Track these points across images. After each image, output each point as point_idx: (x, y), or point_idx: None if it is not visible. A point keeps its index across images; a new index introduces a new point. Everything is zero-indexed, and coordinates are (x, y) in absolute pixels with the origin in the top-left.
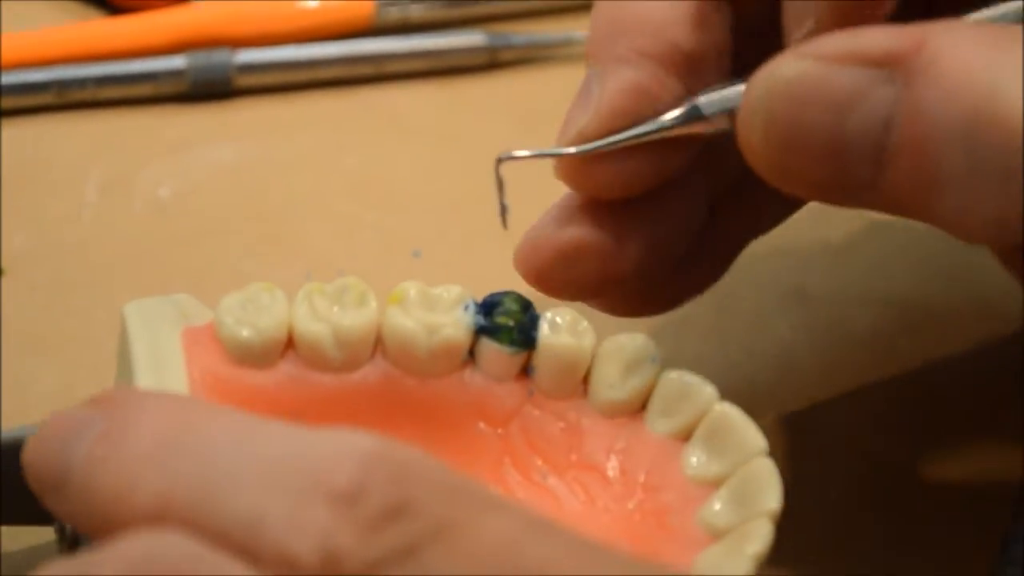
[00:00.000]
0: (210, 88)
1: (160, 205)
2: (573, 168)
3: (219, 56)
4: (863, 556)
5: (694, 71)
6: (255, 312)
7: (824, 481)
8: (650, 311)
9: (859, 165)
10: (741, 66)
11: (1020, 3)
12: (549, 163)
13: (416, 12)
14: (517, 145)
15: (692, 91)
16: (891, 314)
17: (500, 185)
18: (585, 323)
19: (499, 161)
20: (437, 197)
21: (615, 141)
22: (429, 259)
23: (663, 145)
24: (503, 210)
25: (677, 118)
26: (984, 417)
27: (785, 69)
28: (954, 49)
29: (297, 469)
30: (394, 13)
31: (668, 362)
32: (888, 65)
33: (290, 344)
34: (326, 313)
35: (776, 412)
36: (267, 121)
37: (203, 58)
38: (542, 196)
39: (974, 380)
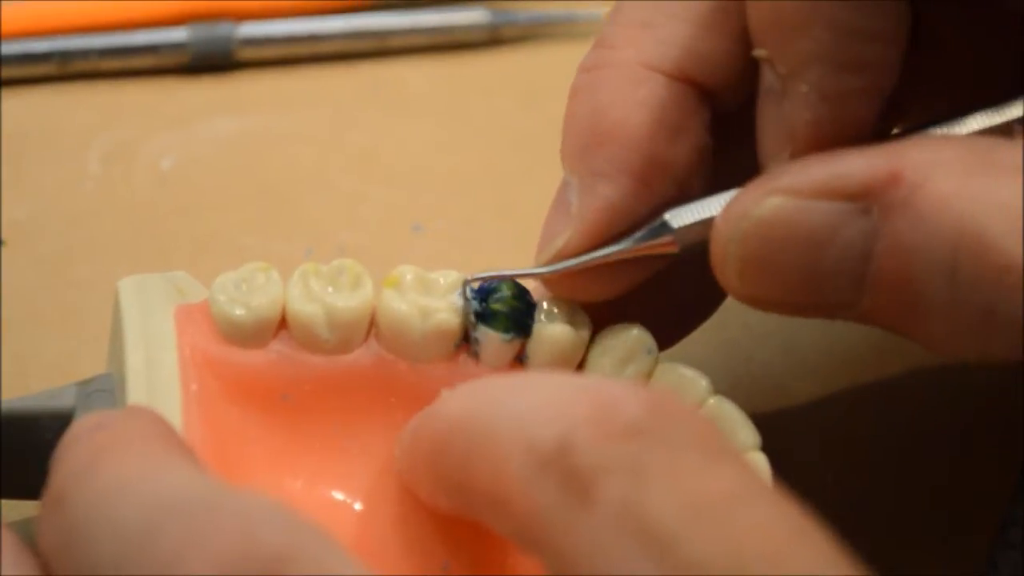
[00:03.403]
0: (212, 61)
1: (161, 177)
2: (556, 282)
3: (222, 29)
4: (859, 547)
5: (674, 180)
6: (249, 291)
7: (821, 473)
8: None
9: (838, 292)
10: (725, 160)
11: (1017, 110)
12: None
13: None
14: (518, 120)
15: (673, 200)
16: None
17: (467, 304)
18: (582, 312)
19: (466, 282)
20: (438, 172)
21: (587, 260)
22: (429, 234)
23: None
24: (472, 340)
25: (645, 235)
26: (984, 403)
27: (758, 208)
28: (931, 181)
29: (572, 383)
30: None
31: None
32: (864, 198)
33: (284, 324)
34: (320, 294)
35: (773, 401)
36: (269, 94)
37: (206, 30)
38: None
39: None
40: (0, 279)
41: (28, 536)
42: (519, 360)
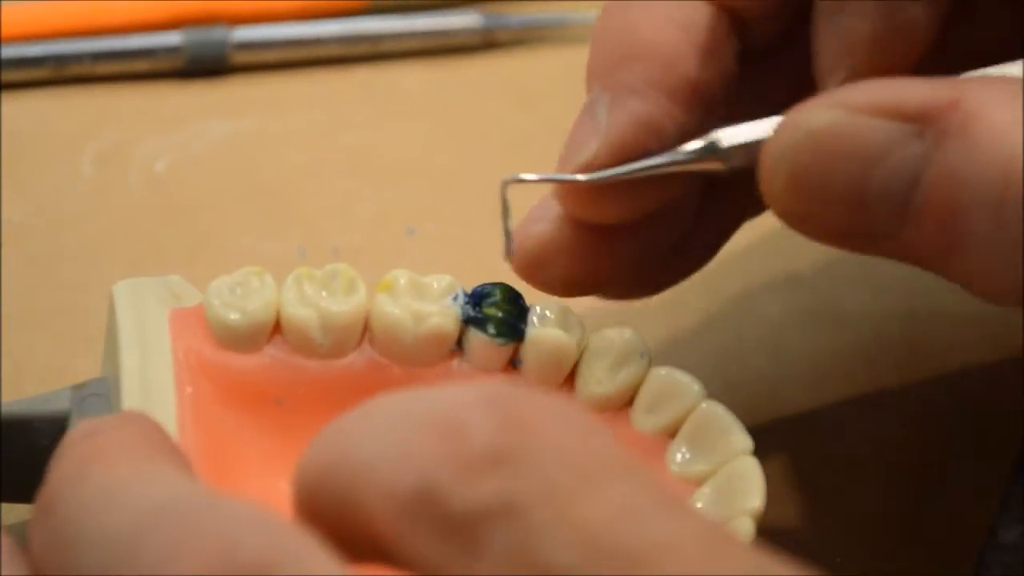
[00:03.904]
0: (206, 65)
1: (156, 180)
2: (577, 196)
3: (216, 33)
4: (853, 549)
5: (703, 103)
6: (244, 295)
7: (814, 477)
8: (639, 295)
9: (882, 218)
10: (745, 94)
11: None
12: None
13: None
14: (511, 124)
15: (699, 123)
16: (883, 298)
17: (505, 209)
18: (575, 316)
19: (505, 184)
20: (432, 176)
21: (627, 171)
22: (423, 237)
23: (670, 176)
24: (508, 236)
25: (694, 152)
26: (976, 408)
27: (814, 118)
28: (988, 111)
29: (418, 410)
30: None
31: (659, 346)
32: (920, 122)
33: (278, 329)
34: (314, 298)
35: (765, 404)
36: (263, 98)
37: (200, 34)
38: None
39: (968, 365)
40: None
41: (25, 539)
42: (513, 364)
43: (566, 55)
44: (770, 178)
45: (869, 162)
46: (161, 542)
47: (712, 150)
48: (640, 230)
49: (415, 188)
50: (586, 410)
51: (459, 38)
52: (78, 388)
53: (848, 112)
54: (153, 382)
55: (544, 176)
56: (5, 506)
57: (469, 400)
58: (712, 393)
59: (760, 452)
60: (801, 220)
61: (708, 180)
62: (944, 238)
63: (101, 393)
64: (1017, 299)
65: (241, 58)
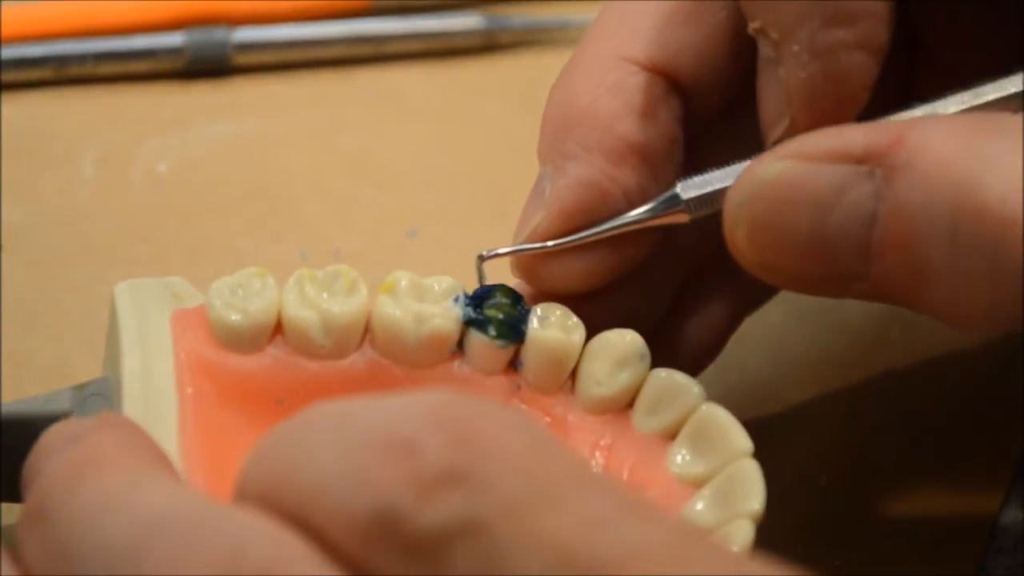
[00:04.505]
0: (208, 65)
1: (157, 180)
2: (528, 264)
3: (217, 34)
4: (852, 551)
5: (646, 163)
6: (245, 296)
7: (814, 476)
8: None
9: (846, 260)
10: (696, 157)
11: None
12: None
13: None
14: (512, 126)
15: (647, 183)
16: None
17: (481, 281)
18: (575, 318)
19: (481, 259)
20: (433, 177)
21: (594, 233)
22: (424, 239)
23: (622, 239)
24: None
25: (656, 205)
26: (975, 410)
27: (766, 169)
28: (932, 143)
29: (365, 427)
30: None
31: None
32: (868, 161)
33: (279, 329)
34: (315, 300)
35: (766, 406)
36: (265, 99)
37: (201, 35)
38: None
39: (968, 367)
40: None
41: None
42: (513, 366)
43: (567, 56)
44: (732, 231)
45: (824, 207)
46: (166, 550)
47: (673, 202)
48: (608, 307)
49: (416, 190)
50: (538, 417)
51: (461, 40)
52: (79, 388)
53: (798, 160)
54: (154, 383)
55: (516, 247)
56: (4, 506)
57: (418, 415)
58: (712, 395)
59: (760, 453)
60: (769, 270)
61: (687, 269)
62: (907, 271)
63: (102, 393)
64: (986, 324)
65: (242, 59)
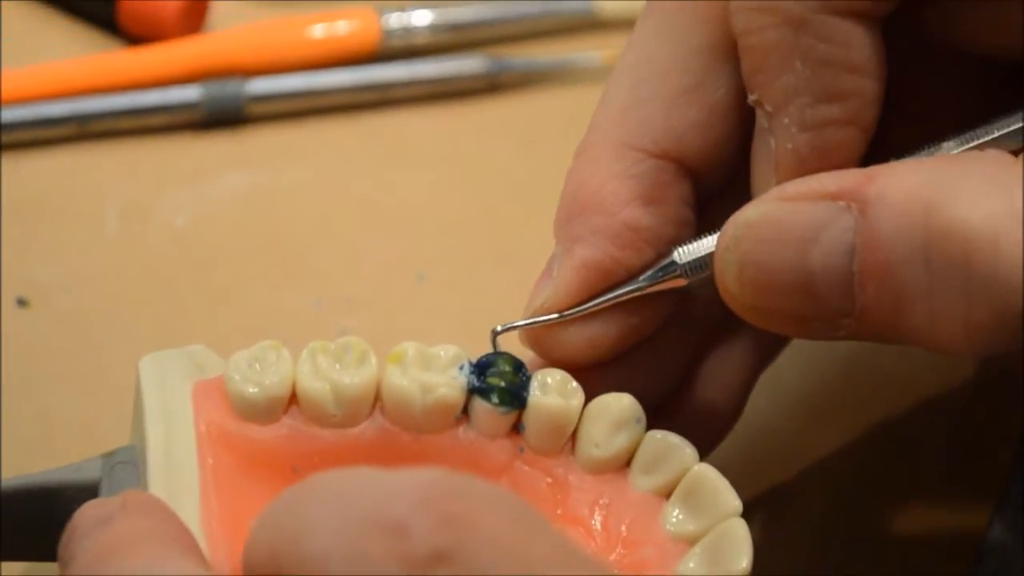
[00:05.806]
0: (223, 117)
1: (177, 234)
2: (536, 337)
3: (231, 86)
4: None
5: (650, 244)
6: (262, 370)
7: (809, 504)
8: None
9: (831, 295)
10: (704, 227)
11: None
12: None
13: (420, 37)
14: (517, 167)
15: (650, 264)
16: None
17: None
18: (574, 383)
19: (495, 333)
20: (441, 220)
21: (597, 303)
22: (433, 283)
23: (626, 311)
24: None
25: (655, 273)
26: (967, 431)
27: (749, 213)
28: (900, 176)
29: (361, 504)
30: (399, 39)
31: None
32: (843, 197)
33: (294, 399)
34: (328, 371)
35: (763, 436)
36: (277, 148)
37: (216, 88)
38: None
39: (953, 395)
40: (23, 340)
41: None
42: (516, 430)
43: (570, 96)
44: (722, 276)
45: (805, 243)
46: None
47: (670, 268)
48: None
49: (424, 233)
50: (523, 497)
51: (465, 82)
52: (108, 456)
53: (778, 202)
54: (177, 454)
55: (530, 320)
56: (41, 565)
57: (409, 496)
58: None
59: (756, 472)
60: (759, 314)
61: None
62: (887, 298)
63: (129, 461)
64: (965, 346)
65: (256, 109)
